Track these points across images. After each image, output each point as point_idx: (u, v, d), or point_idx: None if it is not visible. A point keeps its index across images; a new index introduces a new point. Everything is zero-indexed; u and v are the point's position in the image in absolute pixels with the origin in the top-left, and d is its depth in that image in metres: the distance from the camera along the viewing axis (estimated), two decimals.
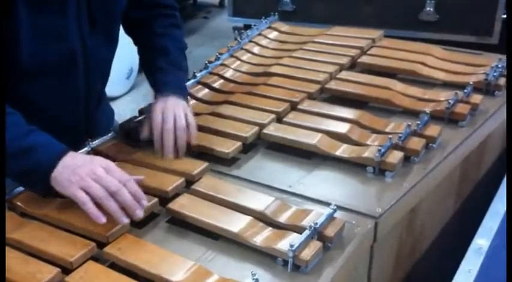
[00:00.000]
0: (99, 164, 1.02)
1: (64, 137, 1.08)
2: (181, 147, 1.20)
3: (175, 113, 1.21)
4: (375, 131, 1.29)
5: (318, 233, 0.96)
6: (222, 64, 1.61)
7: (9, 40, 1.10)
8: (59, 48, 1.16)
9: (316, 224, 0.95)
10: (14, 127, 1.02)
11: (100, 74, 1.32)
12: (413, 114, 1.36)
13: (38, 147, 1.02)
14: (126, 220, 0.98)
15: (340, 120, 1.31)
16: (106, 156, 1.22)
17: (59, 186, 1.00)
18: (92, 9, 1.19)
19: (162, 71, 1.32)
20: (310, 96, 1.45)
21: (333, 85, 1.50)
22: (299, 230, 0.96)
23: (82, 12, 1.18)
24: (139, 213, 0.99)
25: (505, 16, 2.51)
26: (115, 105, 1.83)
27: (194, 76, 1.53)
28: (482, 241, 1.12)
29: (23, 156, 1.00)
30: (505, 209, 1.22)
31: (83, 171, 0.99)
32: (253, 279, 0.86)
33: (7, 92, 1.06)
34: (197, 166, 1.15)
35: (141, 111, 1.37)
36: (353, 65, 1.64)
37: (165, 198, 1.07)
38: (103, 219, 0.96)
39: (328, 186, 1.14)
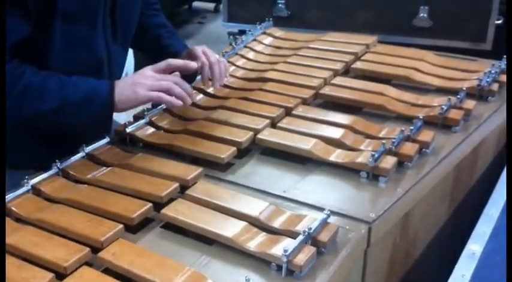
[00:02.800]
0: (146, 73, 1.20)
1: (82, 137, 1.22)
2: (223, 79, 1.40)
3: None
4: (368, 136, 1.30)
5: (311, 238, 0.96)
6: None
7: (41, 49, 1.18)
8: (87, 57, 1.26)
9: (310, 229, 0.95)
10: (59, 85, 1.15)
11: (117, 79, 1.37)
12: (407, 119, 1.36)
13: (91, 94, 1.17)
14: (190, 101, 1.22)
15: (334, 125, 1.32)
16: (101, 161, 1.23)
17: (127, 103, 1.19)
18: (115, 20, 1.29)
19: (174, 36, 1.52)
20: (305, 102, 1.45)
21: (327, 91, 1.50)
22: (293, 235, 0.96)
23: (107, 24, 1.28)
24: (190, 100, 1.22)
25: (498, 22, 2.52)
26: None
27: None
28: (475, 246, 1.13)
29: (85, 105, 1.16)
30: (500, 211, 1.23)
31: (141, 80, 1.18)
32: None
33: None
34: (191, 171, 1.15)
35: (136, 117, 1.38)
36: (347, 71, 1.65)
37: (159, 204, 1.07)
38: (180, 102, 1.19)
39: (322, 192, 1.15)
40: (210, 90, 1.51)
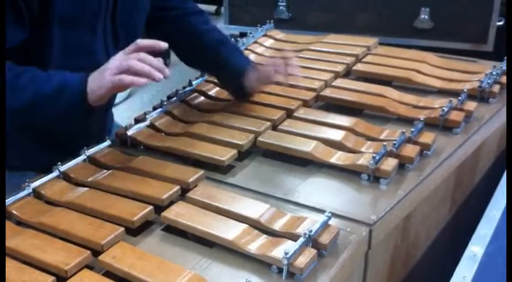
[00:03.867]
0: (115, 57, 1.12)
1: (79, 140, 1.21)
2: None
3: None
4: (369, 138, 1.30)
5: (312, 241, 0.96)
6: None
7: (39, 55, 1.18)
8: (87, 63, 1.21)
9: (311, 231, 0.95)
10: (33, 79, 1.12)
11: None
12: (408, 121, 1.36)
13: (63, 85, 1.12)
14: (159, 75, 1.08)
15: (335, 127, 1.32)
16: (101, 164, 1.23)
17: (98, 92, 1.11)
18: (115, 26, 1.28)
19: (237, 52, 1.46)
20: (306, 104, 1.45)
21: (328, 93, 1.50)
22: (294, 237, 0.96)
23: (107, 30, 1.26)
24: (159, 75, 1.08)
25: (499, 23, 2.52)
26: None
27: (190, 84, 1.54)
28: (476, 248, 1.13)
29: (57, 97, 1.11)
30: (501, 213, 1.22)
31: (108, 65, 1.10)
32: None
33: None
34: (192, 174, 1.15)
35: (137, 120, 1.38)
36: (348, 73, 1.65)
37: (160, 206, 1.07)
38: (143, 80, 1.07)
39: (322, 194, 1.14)
40: (212, 93, 1.52)
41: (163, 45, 1.13)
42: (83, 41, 1.23)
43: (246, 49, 1.78)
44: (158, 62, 1.10)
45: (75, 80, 1.13)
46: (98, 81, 1.11)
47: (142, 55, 1.10)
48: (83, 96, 1.12)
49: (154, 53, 1.20)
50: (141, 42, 1.12)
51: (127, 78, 1.08)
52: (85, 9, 1.21)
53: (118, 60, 1.11)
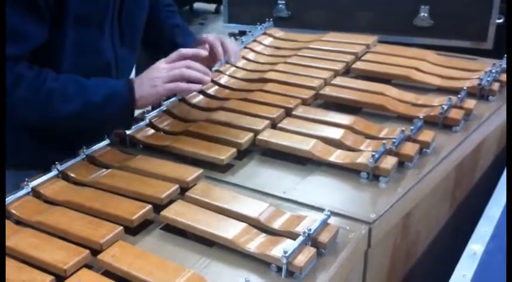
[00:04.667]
0: (160, 66, 1.23)
1: (81, 139, 1.24)
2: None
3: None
4: (368, 136, 1.29)
5: (311, 239, 0.96)
6: (217, 70, 1.61)
7: (54, 53, 1.22)
8: (96, 61, 1.29)
9: (310, 230, 0.95)
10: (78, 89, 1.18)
11: (126, 78, 1.42)
12: (407, 119, 1.36)
13: (112, 94, 1.20)
14: (208, 79, 1.25)
15: (334, 126, 1.32)
16: (100, 163, 1.23)
17: (148, 99, 1.23)
18: (121, 25, 1.32)
19: (186, 33, 1.56)
20: (305, 102, 1.45)
21: (327, 91, 1.50)
22: (293, 236, 0.96)
23: (114, 29, 1.31)
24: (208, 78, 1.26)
25: (499, 21, 2.52)
26: None
27: None
28: (476, 246, 1.13)
29: (106, 105, 1.19)
30: (501, 211, 1.22)
31: (156, 74, 1.21)
32: None
33: None
34: (191, 173, 1.15)
35: (135, 119, 1.37)
36: (347, 71, 1.65)
37: (159, 205, 1.07)
38: (198, 86, 1.24)
39: (322, 192, 1.14)
40: (211, 91, 1.51)
41: (204, 53, 1.24)
42: (92, 40, 1.27)
43: (245, 47, 1.77)
44: (202, 66, 1.23)
45: (122, 88, 1.21)
46: (149, 89, 1.21)
47: (190, 62, 1.22)
48: (131, 104, 1.22)
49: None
50: (184, 51, 1.23)
51: (183, 85, 1.22)
52: (95, 7, 1.24)
53: (165, 68, 1.22)
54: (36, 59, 1.19)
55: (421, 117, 1.32)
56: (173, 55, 1.25)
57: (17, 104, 1.15)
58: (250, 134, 1.28)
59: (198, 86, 1.24)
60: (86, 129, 1.28)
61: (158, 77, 1.21)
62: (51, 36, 1.20)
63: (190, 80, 1.22)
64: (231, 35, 3.14)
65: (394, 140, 1.21)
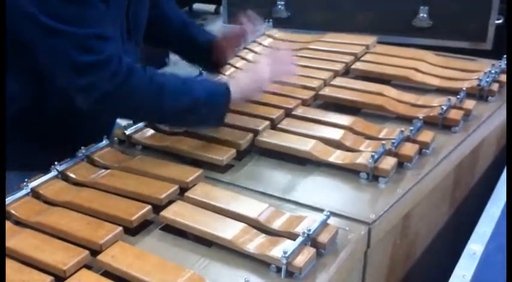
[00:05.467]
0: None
1: (82, 140, 1.26)
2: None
3: None
4: (368, 137, 1.29)
5: (311, 240, 0.96)
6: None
7: None
8: None
9: (310, 230, 0.95)
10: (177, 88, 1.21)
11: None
12: (407, 120, 1.36)
13: (213, 95, 1.23)
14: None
15: (333, 126, 1.32)
16: (100, 163, 1.23)
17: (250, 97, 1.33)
18: (128, 21, 1.33)
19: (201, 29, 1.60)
20: (305, 103, 1.45)
21: (327, 91, 1.50)
22: (292, 236, 0.96)
23: (123, 24, 1.32)
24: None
25: (498, 21, 2.52)
26: None
27: None
28: (476, 246, 1.13)
29: (208, 105, 1.22)
30: (501, 211, 1.22)
31: (263, 76, 1.30)
32: None
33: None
34: (191, 173, 1.15)
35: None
36: (347, 72, 1.65)
37: (158, 206, 1.07)
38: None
39: (321, 193, 1.14)
40: None
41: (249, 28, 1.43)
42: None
43: (245, 48, 1.77)
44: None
45: (221, 91, 1.24)
46: (251, 92, 1.31)
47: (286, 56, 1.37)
48: (227, 107, 1.24)
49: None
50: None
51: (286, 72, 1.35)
52: (120, 4, 1.27)
53: (267, 74, 1.30)
54: None
55: (421, 117, 1.32)
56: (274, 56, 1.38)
57: (133, 94, 1.16)
58: (250, 135, 1.28)
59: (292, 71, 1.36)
60: (189, 126, 1.32)
61: (263, 80, 1.31)
62: None
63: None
64: None
65: (393, 141, 1.21)
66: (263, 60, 1.34)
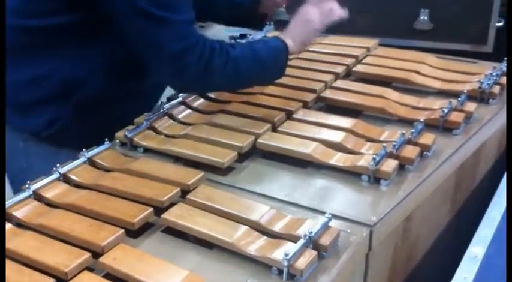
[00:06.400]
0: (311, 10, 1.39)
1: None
2: None
3: None
4: (369, 139, 1.29)
5: (312, 242, 0.96)
6: None
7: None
8: None
9: (311, 232, 0.95)
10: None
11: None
12: (408, 122, 1.36)
13: (278, 52, 1.35)
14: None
15: (335, 129, 1.32)
16: (101, 166, 1.23)
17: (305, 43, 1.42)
18: None
19: None
20: (306, 105, 1.45)
21: (328, 94, 1.50)
22: (294, 239, 0.96)
23: None
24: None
25: (499, 24, 2.52)
26: None
27: None
28: (477, 249, 1.13)
29: (275, 61, 1.35)
30: (502, 214, 1.22)
31: (312, 17, 1.39)
32: None
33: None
34: (192, 176, 1.15)
35: (136, 122, 1.37)
36: (348, 74, 1.65)
37: (160, 208, 1.07)
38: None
39: (323, 195, 1.14)
40: (211, 94, 1.52)
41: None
42: None
43: None
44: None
45: (281, 47, 1.34)
46: (307, 35, 1.39)
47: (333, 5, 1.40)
48: (286, 60, 1.36)
49: None
50: None
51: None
52: None
53: (317, 13, 1.38)
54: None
55: (422, 120, 1.32)
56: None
57: (214, 73, 1.24)
58: (251, 137, 1.28)
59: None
60: (256, 83, 1.44)
61: (313, 20, 1.38)
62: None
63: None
64: (232, 38, 3.14)
65: (394, 143, 1.21)
66: (307, 6, 1.40)
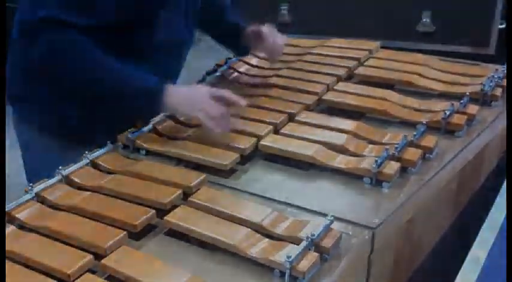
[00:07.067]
0: (205, 95, 1.28)
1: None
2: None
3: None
4: (371, 142, 1.29)
5: (315, 244, 0.96)
6: (220, 76, 1.62)
7: (146, 31, 1.34)
8: (174, 37, 1.44)
9: (313, 235, 0.95)
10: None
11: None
12: (410, 125, 1.36)
13: (144, 89, 1.28)
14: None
15: (337, 131, 1.32)
16: (104, 168, 1.23)
17: (180, 110, 1.31)
18: (188, 7, 1.45)
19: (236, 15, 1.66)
20: (308, 108, 1.45)
21: (330, 96, 1.51)
22: (296, 241, 0.96)
23: (184, 10, 1.43)
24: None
25: (501, 26, 2.52)
26: None
27: None
28: (479, 251, 1.12)
29: (136, 98, 1.27)
30: (504, 216, 1.22)
31: (199, 99, 1.27)
32: None
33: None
34: (195, 178, 1.15)
35: (139, 124, 1.38)
36: (350, 76, 1.65)
37: (162, 210, 1.07)
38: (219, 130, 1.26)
39: (325, 197, 1.14)
40: None
41: (243, 103, 1.31)
42: (174, 20, 1.41)
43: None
44: (229, 121, 1.28)
45: (156, 88, 1.27)
46: (190, 105, 1.27)
47: (227, 113, 1.27)
48: (160, 105, 1.28)
49: None
50: (229, 96, 1.30)
51: (210, 123, 1.25)
52: None
53: (207, 102, 1.27)
54: (128, 32, 1.29)
55: (424, 122, 1.32)
56: (219, 93, 1.30)
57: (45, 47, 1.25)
58: (253, 140, 1.28)
59: (219, 131, 1.26)
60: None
61: (204, 106, 1.26)
62: (145, 16, 1.31)
63: (218, 123, 1.27)
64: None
65: (396, 146, 1.21)
66: (206, 89, 1.31)
